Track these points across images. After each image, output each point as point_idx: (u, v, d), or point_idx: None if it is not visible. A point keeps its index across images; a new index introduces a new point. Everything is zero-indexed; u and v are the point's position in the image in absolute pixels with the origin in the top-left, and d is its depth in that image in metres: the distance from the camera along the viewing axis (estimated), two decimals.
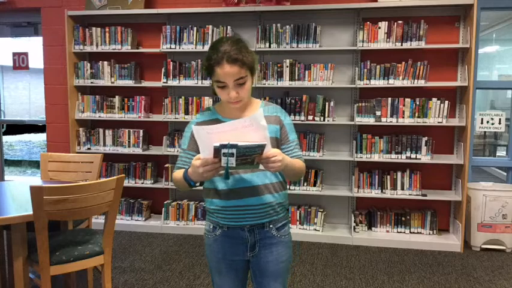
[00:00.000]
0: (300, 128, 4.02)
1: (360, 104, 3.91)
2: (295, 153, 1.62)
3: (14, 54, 4.82)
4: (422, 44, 3.79)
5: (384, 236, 3.97)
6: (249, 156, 1.37)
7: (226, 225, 1.62)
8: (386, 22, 3.82)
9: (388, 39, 3.84)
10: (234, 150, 1.32)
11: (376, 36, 3.85)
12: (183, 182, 1.52)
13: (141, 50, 4.31)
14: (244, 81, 1.52)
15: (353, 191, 3.99)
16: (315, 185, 4.04)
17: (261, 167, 1.44)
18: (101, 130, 4.35)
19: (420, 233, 4.00)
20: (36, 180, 5.71)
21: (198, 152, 1.44)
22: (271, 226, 1.62)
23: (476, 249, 3.84)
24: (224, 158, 1.34)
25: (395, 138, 3.91)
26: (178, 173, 1.58)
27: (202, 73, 4.10)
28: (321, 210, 4.08)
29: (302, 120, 3.97)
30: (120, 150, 4.32)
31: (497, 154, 7.17)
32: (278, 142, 1.62)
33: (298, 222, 4.09)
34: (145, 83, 4.40)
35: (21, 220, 2.14)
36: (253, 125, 1.35)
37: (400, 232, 4.01)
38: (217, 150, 1.33)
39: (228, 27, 4.05)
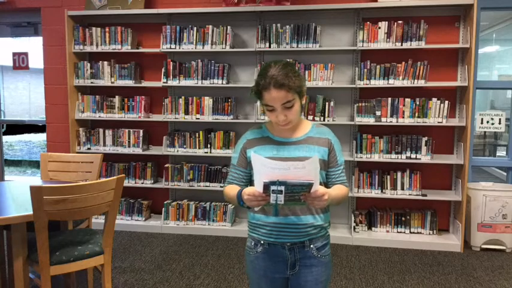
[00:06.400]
0: None
1: (360, 104, 3.91)
2: (341, 178, 1.70)
3: (14, 54, 4.82)
4: (422, 44, 3.79)
5: (384, 236, 3.97)
6: (297, 193, 1.40)
7: (267, 242, 1.64)
8: (386, 22, 3.82)
9: (388, 39, 3.84)
10: (282, 188, 1.36)
11: (376, 36, 3.85)
12: (234, 199, 1.58)
13: (141, 50, 4.31)
14: (291, 104, 1.55)
15: (353, 191, 3.99)
16: None
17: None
18: (101, 130, 4.35)
19: (420, 233, 4.00)
20: (36, 180, 5.71)
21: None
22: (311, 246, 1.64)
23: (476, 249, 3.84)
24: (273, 195, 1.38)
25: (395, 138, 3.90)
26: (230, 189, 1.64)
27: (202, 73, 4.11)
28: None
29: None
30: (120, 150, 4.32)
31: (497, 154, 7.17)
32: (325, 164, 1.66)
33: None
34: (145, 83, 4.40)
35: (21, 220, 2.14)
36: (306, 167, 1.36)
37: (400, 232, 4.01)
38: (266, 186, 1.37)
39: (228, 27, 4.05)
